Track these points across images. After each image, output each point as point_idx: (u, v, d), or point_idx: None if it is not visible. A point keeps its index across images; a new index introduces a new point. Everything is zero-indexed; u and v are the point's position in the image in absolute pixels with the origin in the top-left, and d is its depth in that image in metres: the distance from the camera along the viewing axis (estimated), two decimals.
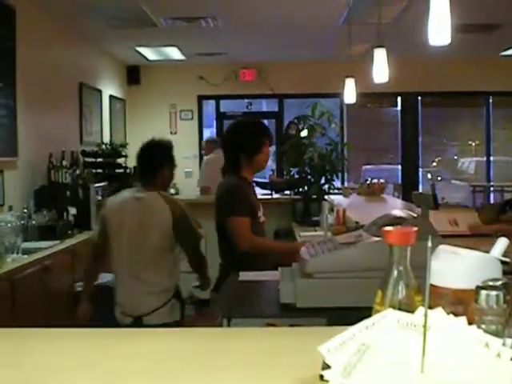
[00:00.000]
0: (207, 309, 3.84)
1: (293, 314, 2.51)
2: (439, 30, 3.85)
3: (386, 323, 0.94)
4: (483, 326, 1.01)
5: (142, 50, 9.53)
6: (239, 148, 3.92)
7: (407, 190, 10.28)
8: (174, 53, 9.78)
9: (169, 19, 7.56)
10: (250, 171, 3.96)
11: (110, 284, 5.96)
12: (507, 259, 1.24)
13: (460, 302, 1.14)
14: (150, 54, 9.85)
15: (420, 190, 11.67)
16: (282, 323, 2.42)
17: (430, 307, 0.96)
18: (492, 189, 12.21)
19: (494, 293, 1.03)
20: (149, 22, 7.53)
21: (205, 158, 8.86)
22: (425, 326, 0.87)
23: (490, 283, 1.06)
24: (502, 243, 1.24)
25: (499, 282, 1.06)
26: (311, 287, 2.56)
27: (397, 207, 6.32)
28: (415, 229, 1.10)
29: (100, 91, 9.17)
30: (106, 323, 5.50)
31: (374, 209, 6.29)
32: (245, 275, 3.20)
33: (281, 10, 7.40)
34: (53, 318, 4.99)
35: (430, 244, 0.88)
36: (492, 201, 11.93)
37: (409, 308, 1.06)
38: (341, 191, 8.39)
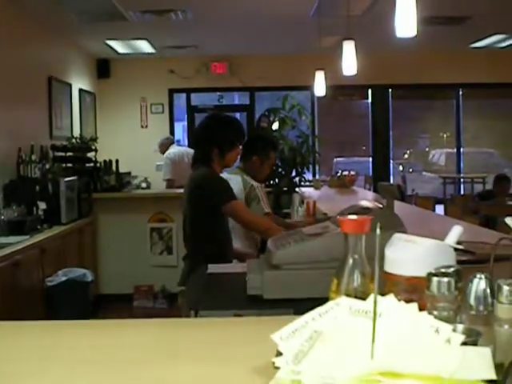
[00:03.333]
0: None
1: (260, 306, 2.51)
2: (405, 22, 3.89)
3: (338, 310, 0.95)
4: (435, 313, 1.03)
5: (112, 43, 9.47)
6: (213, 142, 3.90)
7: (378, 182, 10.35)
8: (144, 46, 9.73)
9: (138, 12, 7.52)
10: (219, 167, 3.96)
11: (81, 279, 5.95)
12: (460, 246, 1.25)
13: (414, 290, 1.16)
14: (119, 47, 9.78)
15: (391, 182, 11.75)
16: (249, 315, 2.42)
17: (385, 295, 0.97)
18: (462, 180, 12.32)
19: (445, 279, 1.05)
20: (118, 15, 7.48)
21: (165, 153, 9.18)
22: (374, 312, 0.88)
23: (442, 270, 1.07)
24: (456, 231, 1.25)
25: (451, 269, 1.08)
26: (278, 278, 2.56)
27: (367, 199, 6.36)
28: (369, 218, 1.11)
29: (70, 85, 9.10)
30: (78, 317, 5.51)
31: (344, 200, 6.33)
32: (213, 267, 3.20)
33: (251, 3, 7.39)
34: (22, 313, 4.96)
35: (378, 232, 0.90)
36: (462, 192, 12.04)
37: (364, 296, 1.07)
38: (312, 184, 8.43)
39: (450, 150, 12.77)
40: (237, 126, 4.11)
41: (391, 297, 0.96)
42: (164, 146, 9.33)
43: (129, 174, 8.48)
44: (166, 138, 9.68)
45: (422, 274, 1.11)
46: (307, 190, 7.69)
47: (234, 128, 4.05)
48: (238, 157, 4.24)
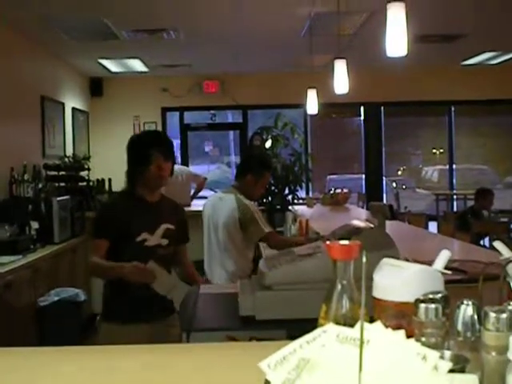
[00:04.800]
0: None
1: (252, 327, 2.51)
2: (396, 42, 3.90)
3: (325, 338, 0.95)
4: (423, 339, 1.03)
5: (105, 62, 9.48)
6: (129, 162, 3.58)
7: (372, 200, 10.37)
8: (137, 65, 9.76)
9: (130, 31, 7.54)
10: (143, 187, 3.51)
11: (74, 299, 5.92)
12: (449, 272, 1.25)
13: (403, 315, 1.16)
14: (112, 66, 9.81)
15: (384, 200, 11.77)
16: (242, 336, 2.42)
17: (374, 320, 0.97)
18: (455, 197, 12.33)
19: (432, 306, 1.05)
20: (110, 34, 7.50)
21: None
22: (361, 340, 0.88)
23: (430, 296, 1.07)
24: (443, 256, 1.25)
25: (439, 295, 1.08)
26: (270, 299, 2.56)
27: (360, 217, 6.36)
28: (358, 243, 1.11)
29: (62, 104, 9.10)
30: (70, 337, 5.48)
31: (337, 219, 6.33)
32: (205, 288, 3.20)
33: (243, 23, 7.42)
34: (14, 334, 4.94)
35: (364, 259, 0.90)
36: (455, 209, 12.05)
37: (353, 322, 1.07)
38: (305, 201, 8.43)
39: (443, 167, 12.79)
40: (148, 141, 3.57)
41: (378, 324, 0.95)
42: None
43: None
44: None
45: (411, 299, 1.11)
46: (300, 208, 7.70)
47: (144, 143, 3.55)
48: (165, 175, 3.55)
